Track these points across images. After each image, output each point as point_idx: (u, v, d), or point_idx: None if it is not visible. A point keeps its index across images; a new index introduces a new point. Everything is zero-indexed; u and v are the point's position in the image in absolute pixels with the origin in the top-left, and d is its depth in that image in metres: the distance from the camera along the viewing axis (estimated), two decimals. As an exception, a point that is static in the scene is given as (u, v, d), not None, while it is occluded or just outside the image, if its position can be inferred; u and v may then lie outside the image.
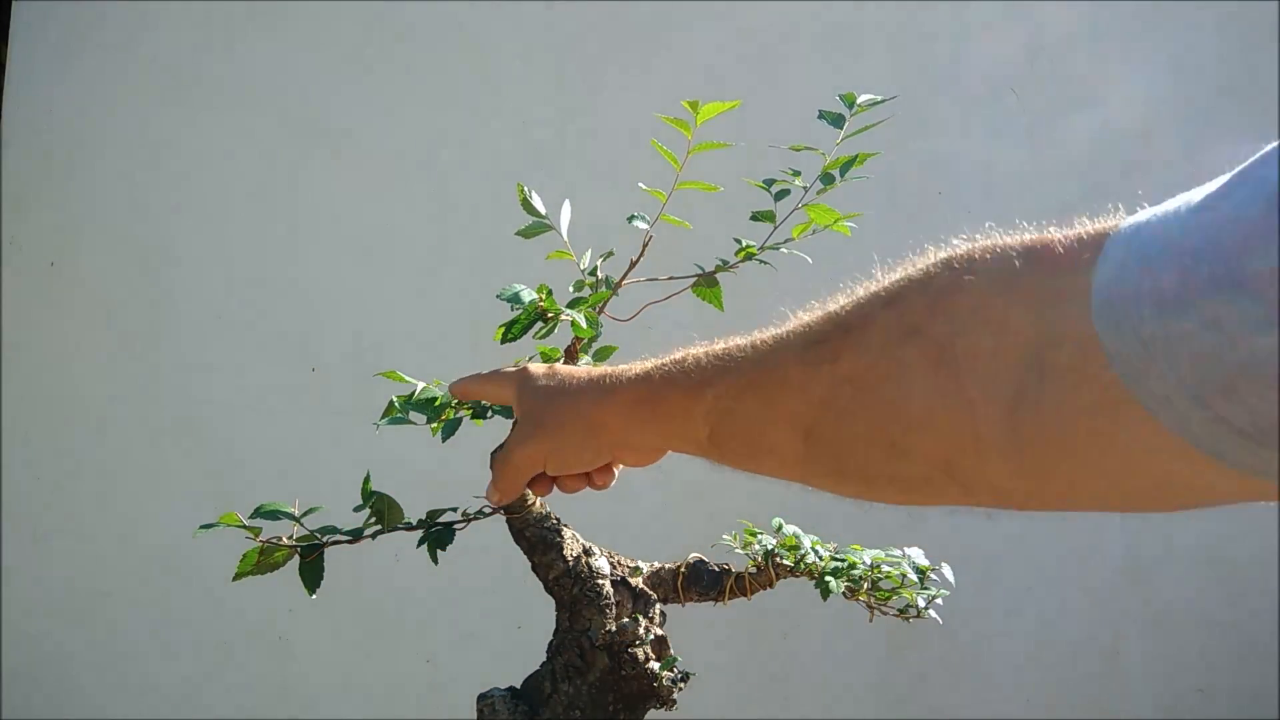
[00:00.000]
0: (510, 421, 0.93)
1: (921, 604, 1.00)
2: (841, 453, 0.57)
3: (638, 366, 0.74)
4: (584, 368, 0.81)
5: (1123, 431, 0.43)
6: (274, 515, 0.86)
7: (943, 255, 0.52)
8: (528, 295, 0.88)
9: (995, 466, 0.50)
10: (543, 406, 0.78)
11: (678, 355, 0.70)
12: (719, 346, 0.67)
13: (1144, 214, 0.46)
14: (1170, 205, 0.44)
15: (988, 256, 0.49)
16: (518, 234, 0.94)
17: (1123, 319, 0.41)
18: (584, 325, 0.88)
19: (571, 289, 0.95)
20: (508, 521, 0.95)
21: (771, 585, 1.03)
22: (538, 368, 0.81)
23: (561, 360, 0.96)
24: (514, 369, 0.84)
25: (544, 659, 0.96)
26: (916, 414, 0.51)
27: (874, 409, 0.53)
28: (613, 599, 0.95)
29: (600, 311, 0.92)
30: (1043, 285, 0.47)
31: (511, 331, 0.89)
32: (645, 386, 0.71)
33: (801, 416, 0.58)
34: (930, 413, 0.50)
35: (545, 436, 0.78)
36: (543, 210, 0.94)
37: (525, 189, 0.93)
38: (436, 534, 0.93)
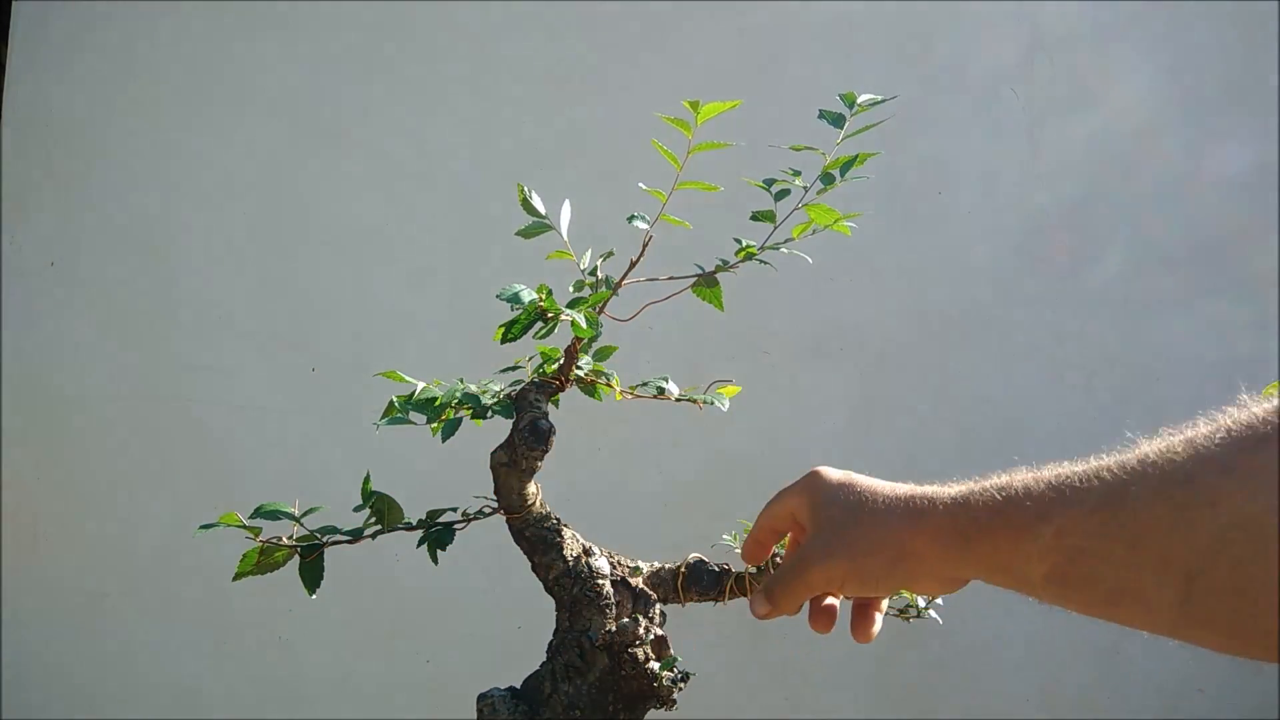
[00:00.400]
0: (509, 423, 0.93)
1: (921, 604, 1.00)
2: (1237, 603, 0.51)
3: (953, 489, 0.69)
4: (888, 483, 0.75)
5: None
6: (274, 515, 0.86)
7: None
8: (528, 295, 0.88)
9: None
10: (849, 522, 0.73)
11: (1001, 480, 0.65)
12: (1047, 472, 0.62)
13: None
14: None
15: None
16: (518, 234, 0.94)
17: None
18: (584, 325, 0.88)
19: (571, 289, 0.95)
20: (508, 521, 0.95)
21: (771, 585, 1.02)
22: (831, 474, 0.78)
23: (561, 360, 0.96)
24: (801, 480, 0.80)
25: (544, 659, 0.96)
26: None
27: (1274, 557, 0.49)
28: (613, 599, 0.95)
29: (600, 311, 0.92)
30: None
31: (511, 331, 0.89)
32: (966, 516, 0.66)
33: (1181, 562, 0.53)
34: None
35: (852, 557, 0.73)
36: (543, 210, 0.94)
37: (525, 189, 0.93)
38: (436, 534, 0.93)
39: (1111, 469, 0.58)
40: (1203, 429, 0.54)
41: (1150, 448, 0.56)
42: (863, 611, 0.85)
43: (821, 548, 0.75)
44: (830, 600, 0.85)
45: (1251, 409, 0.52)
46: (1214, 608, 0.52)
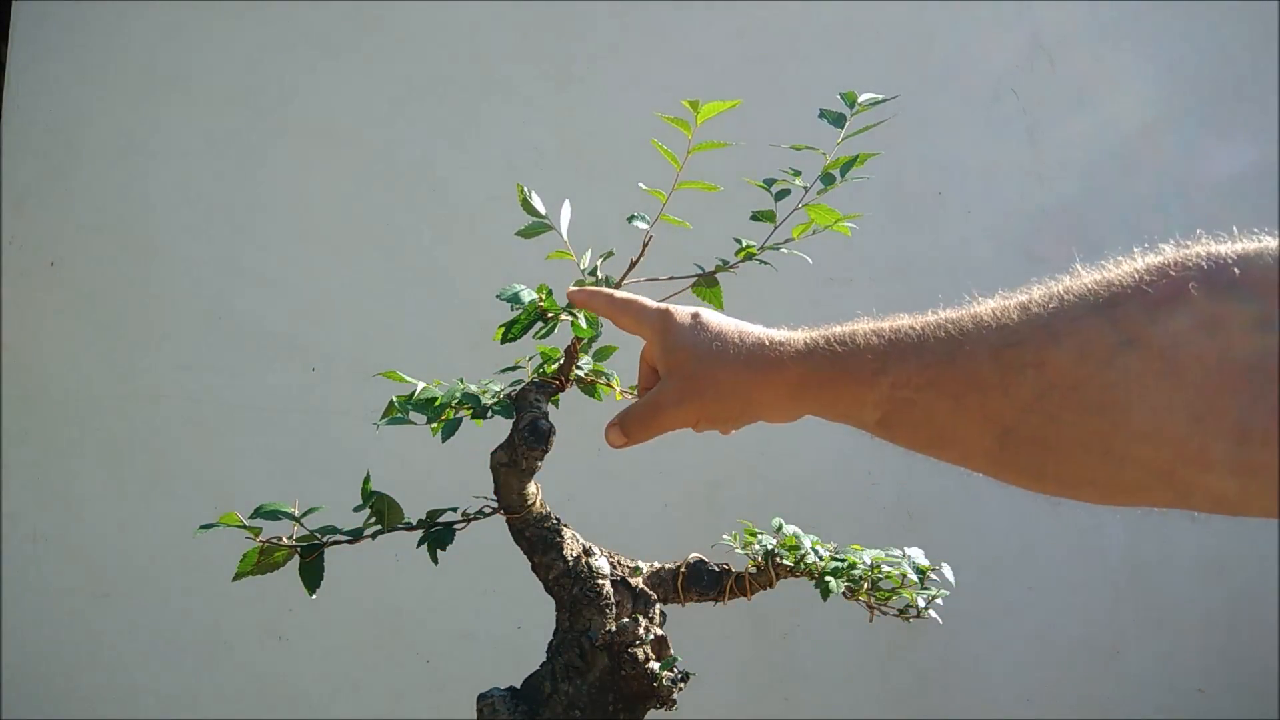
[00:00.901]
0: (509, 423, 0.93)
1: (921, 604, 1.00)
2: (1045, 455, 0.56)
3: (798, 338, 0.73)
4: (734, 324, 0.78)
5: None
6: (274, 515, 0.86)
7: (1155, 261, 0.52)
8: (528, 295, 0.88)
9: (1219, 476, 0.50)
10: (700, 370, 0.77)
11: (841, 330, 0.69)
12: (886, 325, 0.66)
13: None
14: None
15: (1204, 265, 0.49)
16: (518, 234, 0.94)
17: None
18: (584, 325, 0.88)
19: (572, 289, 0.95)
20: (508, 521, 0.95)
21: (771, 585, 1.02)
22: (682, 314, 0.80)
23: (562, 360, 0.96)
24: (655, 307, 0.82)
25: (544, 659, 0.96)
26: (1140, 425, 0.51)
27: (1090, 417, 0.53)
28: (613, 599, 0.95)
29: (600, 311, 0.92)
30: (1263, 293, 0.47)
31: (511, 331, 0.89)
32: (809, 366, 0.70)
33: (999, 416, 0.57)
34: (1156, 425, 0.50)
35: (702, 402, 0.77)
36: (543, 210, 0.94)
37: (525, 189, 0.93)
38: (436, 534, 0.93)
39: (947, 326, 0.61)
40: (1036, 294, 0.57)
41: (985, 309, 0.59)
42: None
43: (674, 392, 0.79)
44: None
45: (1084, 278, 0.55)
46: (1025, 457, 0.57)
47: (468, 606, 2.20)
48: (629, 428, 0.86)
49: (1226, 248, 0.50)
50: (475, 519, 0.96)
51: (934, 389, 0.61)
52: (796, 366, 0.71)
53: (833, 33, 2.45)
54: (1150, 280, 0.51)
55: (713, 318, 0.79)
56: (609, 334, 0.96)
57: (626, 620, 0.95)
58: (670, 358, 0.79)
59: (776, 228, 0.97)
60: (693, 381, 0.77)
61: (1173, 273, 0.50)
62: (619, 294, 0.86)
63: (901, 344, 0.64)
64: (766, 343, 0.74)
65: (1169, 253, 0.51)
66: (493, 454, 0.94)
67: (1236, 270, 0.48)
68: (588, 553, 0.96)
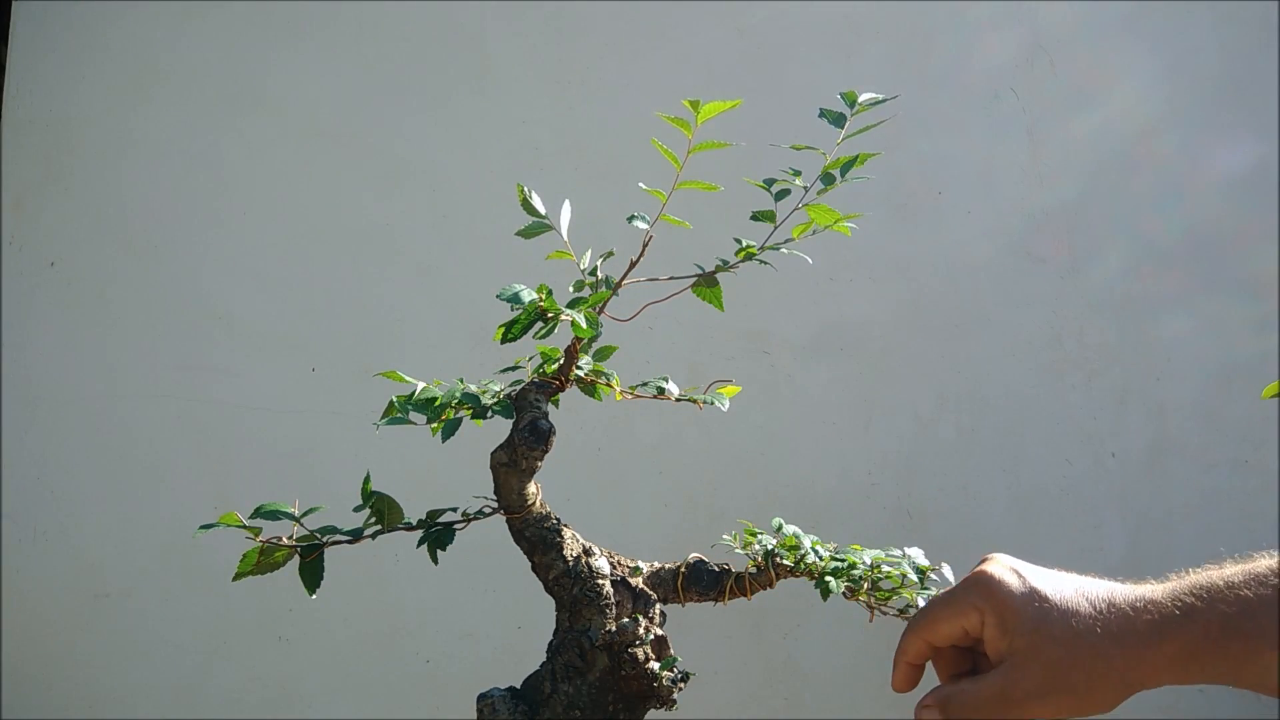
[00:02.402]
0: (509, 423, 0.93)
1: (921, 604, 1.00)
2: None
3: (1160, 596, 0.66)
4: (1074, 588, 0.71)
5: None
6: (274, 515, 0.86)
7: None
8: (528, 295, 0.88)
9: None
10: (1067, 658, 0.68)
11: (1215, 581, 0.63)
12: (1258, 569, 0.61)
13: None
14: None
15: None
16: (518, 234, 0.94)
17: None
18: (584, 325, 0.88)
19: (571, 289, 0.95)
20: (508, 521, 0.95)
21: (771, 585, 1.02)
22: (1009, 581, 0.71)
23: (561, 360, 0.96)
24: (970, 589, 0.73)
25: (544, 659, 0.96)
26: None
27: None
28: (613, 599, 0.95)
29: (600, 311, 0.92)
30: None
31: (511, 331, 0.89)
32: (1194, 632, 0.64)
33: None
34: None
35: (1075, 696, 0.68)
36: (543, 210, 0.94)
37: (525, 189, 0.93)
38: (436, 534, 0.93)
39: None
40: None
41: None
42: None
43: (1035, 683, 0.69)
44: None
45: None
46: None
47: (468, 606, 2.20)
48: (959, 713, 0.74)
49: None
50: (475, 519, 0.96)
51: None
52: (1178, 635, 0.65)
53: (833, 33, 2.45)
54: None
55: (1045, 583, 0.71)
56: (609, 334, 0.96)
57: (626, 620, 0.95)
58: (1019, 640, 0.69)
59: (776, 228, 0.97)
60: (1060, 672, 0.68)
61: None
62: (939, 597, 0.77)
63: (1259, 592, 0.59)
64: (1129, 611, 0.67)
65: None
66: (493, 454, 0.94)
67: None
68: (588, 553, 0.96)
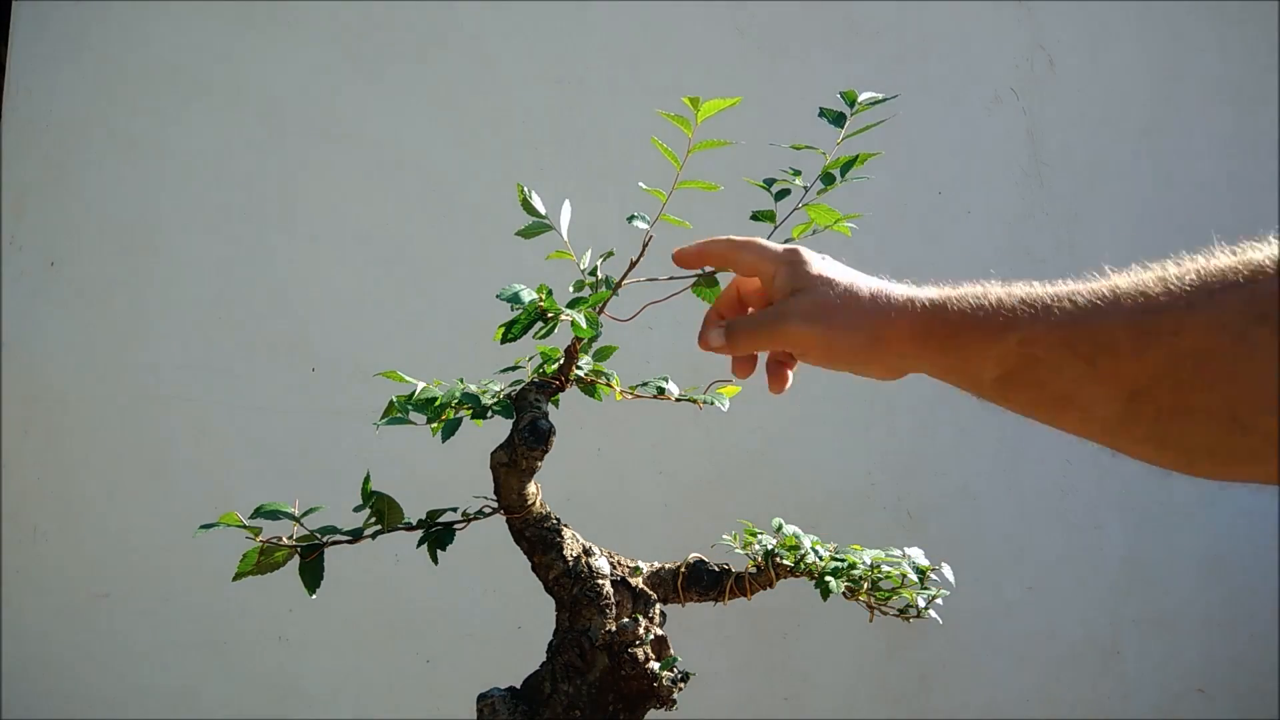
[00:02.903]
0: (509, 423, 0.93)
1: (921, 604, 1.00)
2: (1170, 423, 0.58)
3: (927, 292, 0.74)
4: (861, 276, 0.80)
5: None
6: (274, 515, 0.86)
7: None
8: (528, 295, 0.88)
9: None
10: (835, 298, 0.77)
11: (971, 290, 0.70)
12: (1019, 290, 0.67)
13: None
14: None
15: None
16: (518, 234, 0.94)
17: None
18: (584, 325, 0.88)
19: (571, 289, 0.95)
20: (508, 521, 0.95)
21: (771, 585, 1.02)
22: (810, 254, 0.81)
23: (561, 360, 0.96)
24: (781, 247, 0.82)
25: (544, 659, 0.96)
26: (1266, 396, 0.54)
27: (1220, 385, 0.56)
28: (613, 599, 0.95)
29: (600, 311, 0.92)
30: None
31: (511, 331, 0.89)
32: (939, 318, 0.71)
33: (1129, 381, 0.59)
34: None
35: (830, 327, 0.77)
36: (543, 210, 0.94)
37: (525, 189, 0.93)
38: (436, 534, 0.93)
39: (1082, 292, 0.63)
40: (1173, 269, 0.59)
41: (1122, 280, 0.62)
42: (779, 367, 0.90)
43: (805, 306, 0.78)
44: (779, 362, 0.89)
45: (1222, 258, 0.58)
46: (1148, 425, 0.59)
47: (468, 606, 2.20)
48: (737, 334, 0.83)
49: None
50: (475, 519, 0.96)
51: (1066, 349, 0.62)
52: (926, 313, 0.72)
53: (833, 33, 2.45)
54: None
55: (837, 264, 0.81)
56: (609, 334, 0.96)
57: (626, 620, 0.95)
58: (803, 280, 0.79)
59: (776, 227, 0.97)
60: (828, 304, 0.77)
61: None
62: (739, 239, 0.85)
63: (1034, 303, 0.65)
64: (892, 292, 0.76)
65: None
66: (493, 454, 0.94)
67: None
68: (588, 553, 0.97)
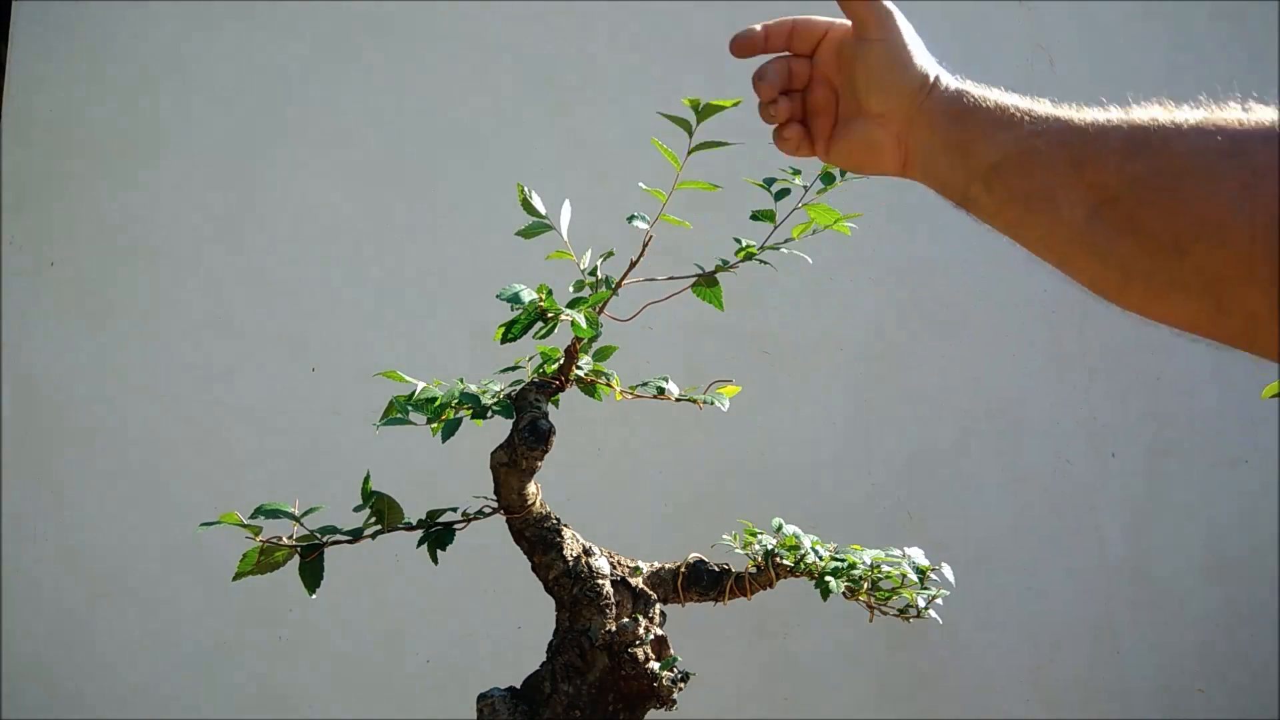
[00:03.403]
0: (509, 423, 0.93)
1: (921, 604, 1.00)
2: (1123, 234, 0.61)
3: (952, 81, 0.77)
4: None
5: None
6: (274, 515, 0.86)
7: None
8: (528, 295, 0.88)
9: (1264, 298, 0.54)
10: (903, 39, 0.80)
11: (995, 91, 0.74)
12: (1021, 100, 0.72)
13: None
14: None
15: None
16: (518, 234, 0.94)
17: None
18: (584, 325, 0.88)
19: (571, 289, 0.95)
20: (508, 521, 0.95)
21: (771, 585, 1.03)
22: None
23: (561, 360, 0.96)
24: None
25: (544, 659, 0.96)
26: (1211, 223, 0.56)
27: (1176, 205, 0.59)
28: (613, 599, 0.95)
29: (600, 311, 0.92)
30: None
31: (511, 331, 0.89)
32: (963, 96, 0.75)
33: (1103, 188, 0.62)
34: (1222, 226, 0.56)
35: (900, 32, 0.80)
36: (543, 210, 0.94)
37: (525, 189, 0.93)
38: (436, 534, 0.93)
39: (1089, 112, 0.68)
40: (1193, 112, 0.63)
41: (1115, 111, 0.66)
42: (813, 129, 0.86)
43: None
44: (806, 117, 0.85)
45: (1230, 112, 0.61)
46: (1106, 235, 0.62)
47: (468, 606, 2.20)
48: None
49: None
50: (475, 519, 0.96)
51: (1063, 146, 0.66)
52: (952, 90, 0.76)
53: (833, 33, 2.45)
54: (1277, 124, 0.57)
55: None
56: (609, 334, 0.96)
57: (626, 620, 0.95)
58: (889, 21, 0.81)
59: (776, 227, 0.97)
60: (905, 26, 0.81)
61: None
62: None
63: (1042, 106, 0.69)
64: (941, 72, 0.79)
65: None
66: (493, 454, 0.94)
67: None
68: (588, 553, 0.97)
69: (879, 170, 0.83)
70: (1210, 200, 0.57)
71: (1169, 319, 0.61)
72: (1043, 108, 0.70)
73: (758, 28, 0.85)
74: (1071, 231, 0.64)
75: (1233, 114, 0.60)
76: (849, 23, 0.82)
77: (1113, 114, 0.66)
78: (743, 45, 0.85)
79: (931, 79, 0.77)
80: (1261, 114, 0.59)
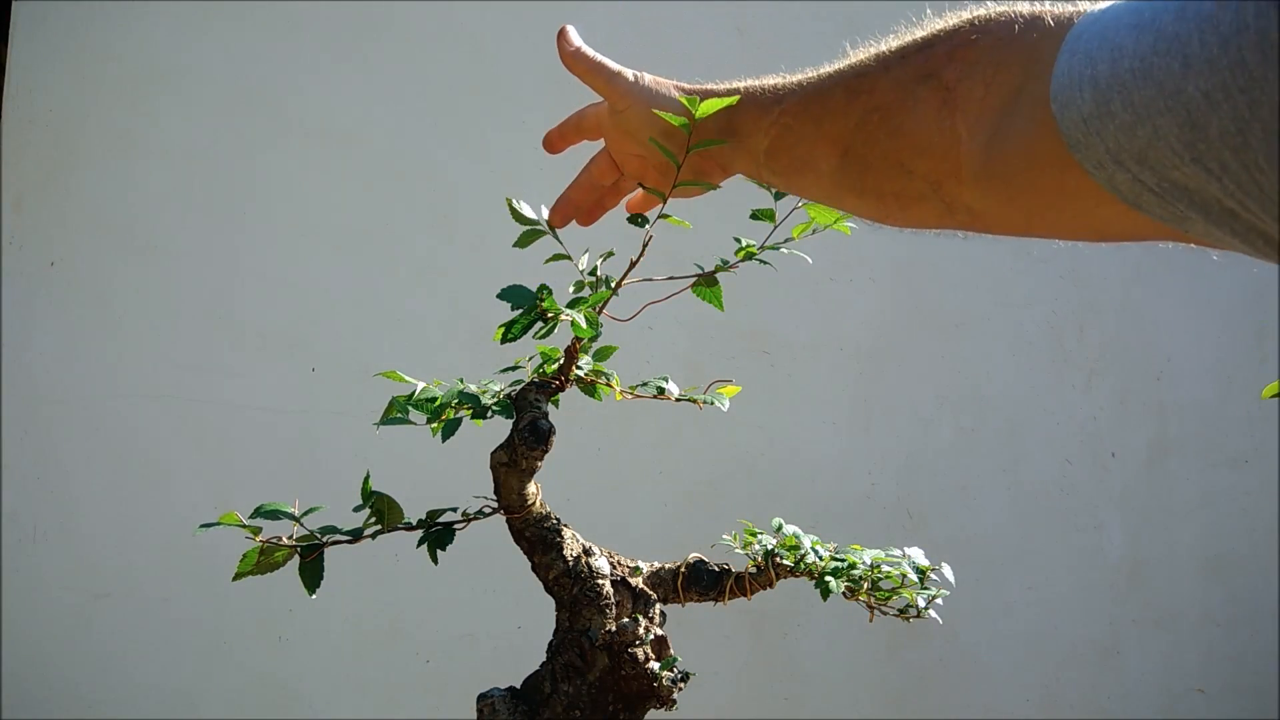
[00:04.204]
0: (509, 423, 0.93)
1: (921, 604, 1.00)
2: (864, 170, 0.68)
3: (724, 86, 0.81)
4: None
5: (1069, 183, 0.54)
6: (274, 515, 0.86)
7: (968, 14, 0.63)
8: (527, 295, 0.88)
9: (970, 191, 0.62)
10: (652, 88, 0.88)
11: (746, 81, 0.79)
12: (791, 76, 0.76)
13: (1098, 8, 0.55)
14: (1114, 6, 0.53)
15: (999, 18, 0.60)
16: (514, 245, 0.94)
17: (1068, 101, 0.52)
18: (584, 325, 0.88)
19: (571, 289, 0.95)
20: (508, 521, 0.95)
21: (771, 585, 1.02)
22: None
23: (561, 360, 0.96)
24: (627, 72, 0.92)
25: (544, 659, 0.96)
26: (921, 141, 0.63)
27: (892, 135, 0.65)
28: (613, 599, 0.95)
29: (600, 311, 0.92)
30: (1031, 48, 0.57)
31: (511, 331, 0.89)
32: (728, 94, 0.79)
33: (841, 138, 0.69)
34: (930, 141, 0.63)
35: (632, 93, 0.88)
36: (534, 216, 0.94)
37: (514, 201, 0.94)
38: (436, 534, 0.93)
39: (824, 70, 0.73)
40: (888, 41, 0.69)
41: (856, 54, 0.71)
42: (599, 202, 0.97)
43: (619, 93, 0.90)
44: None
45: (922, 29, 0.66)
46: (854, 175, 0.69)
47: (468, 606, 2.20)
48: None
49: (1021, 7, 0.59)
50: (475, 519, 0.96)
51: (806, 115, 0.72)
52: (725, 86, 0.80)
53: (833, 33, 2.45)
54: (959, 27, 0.62)
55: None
56: (609, 334, 0.96)
57: (626, 620, 0.95)
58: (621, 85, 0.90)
59: (776, 227, 0.97)
60: (637, 90, 0.89)
61: (976, 23, 0.61)
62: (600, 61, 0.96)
63: (792, 83, 0.75)
64: (694, 87, 0.84)
65: (980, 8, 0.62)
66: (493, 454, 0.94)
67: (1018, 26, 0.58)
68: (588, 553, 0.97)
69: (718, 180, 0.88)
70: (918, 123, 0.63)
71: (922, 224, 0.68)
72: (794, 79, 0.75)
73: (550, 132, 1.02)
74: (832, 181, 0.71)
75: (924, 30, 0.65)
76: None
77: (838, 66, 0.71)
78: (546, 144, 1.01)
79: (685, 104, 0.81)
80: (943, 23, 0.64)
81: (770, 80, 0.77)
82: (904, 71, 0.65)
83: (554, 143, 1.00)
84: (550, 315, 0.88)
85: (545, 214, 0.95)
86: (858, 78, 0.69)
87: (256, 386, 2.22)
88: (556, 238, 0.94)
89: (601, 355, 0.99)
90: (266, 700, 2.15)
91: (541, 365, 0.96)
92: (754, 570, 1.02)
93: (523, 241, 0.94)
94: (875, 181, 0.68)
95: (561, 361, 0.95)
